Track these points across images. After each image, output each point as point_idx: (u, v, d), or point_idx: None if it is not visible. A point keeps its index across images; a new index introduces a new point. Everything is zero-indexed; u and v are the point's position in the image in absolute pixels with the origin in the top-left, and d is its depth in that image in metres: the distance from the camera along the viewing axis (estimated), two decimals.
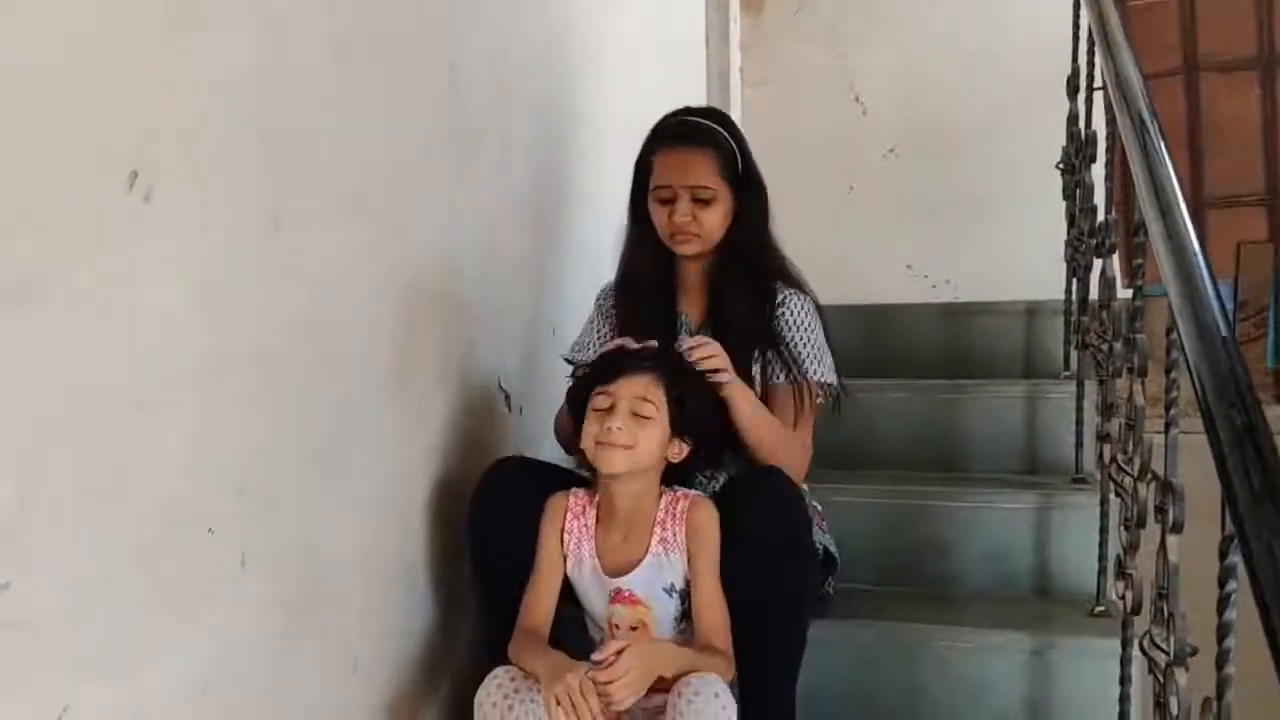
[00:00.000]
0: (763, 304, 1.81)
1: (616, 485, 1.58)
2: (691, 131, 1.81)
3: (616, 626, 1.59)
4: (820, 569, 1.80)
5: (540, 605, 1.60)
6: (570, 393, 1.66)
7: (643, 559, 1.57)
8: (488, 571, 1.72)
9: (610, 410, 1.54)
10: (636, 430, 1.54)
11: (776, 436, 1.73)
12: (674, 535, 1.57)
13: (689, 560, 1.56)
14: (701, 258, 1.84)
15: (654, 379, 1.56)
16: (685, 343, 1.67)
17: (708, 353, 1.64)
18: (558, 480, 1.70)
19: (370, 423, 1.60)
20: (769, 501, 1.58)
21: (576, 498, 1.64)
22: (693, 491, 1.61)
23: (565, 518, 1.62)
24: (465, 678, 1.88)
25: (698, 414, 1.60)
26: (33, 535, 1.01)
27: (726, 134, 1.82)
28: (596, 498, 1.63)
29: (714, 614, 1.54)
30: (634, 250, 1.90)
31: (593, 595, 1.62)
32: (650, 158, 1.82)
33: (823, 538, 1.80)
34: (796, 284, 1.86)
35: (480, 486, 1.71)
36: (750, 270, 1.82)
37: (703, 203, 1.76)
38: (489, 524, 1.69)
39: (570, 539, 1.62)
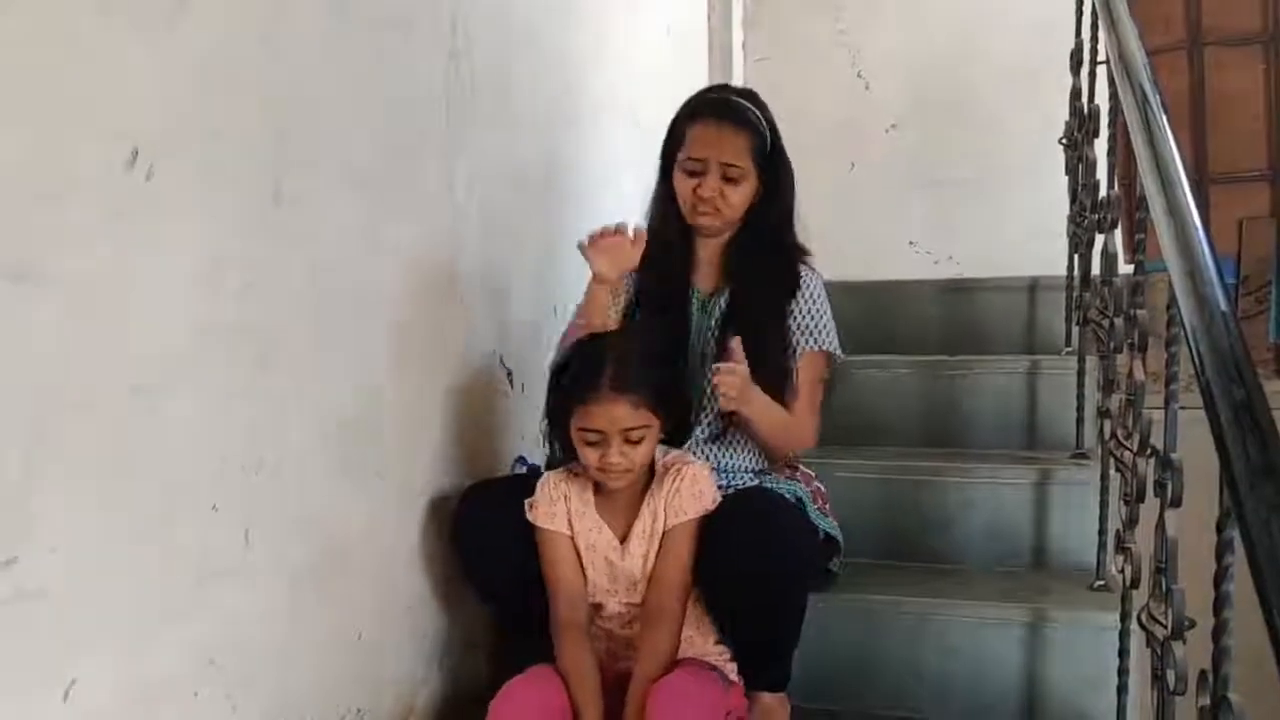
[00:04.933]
0: (781, 285, 1.85)
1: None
2: (733, 110, 1.83)
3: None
4: (822, 550, 1.82)
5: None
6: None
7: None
8: (483, 585, 1.78)
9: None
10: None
11: (781, 430, 1.79)
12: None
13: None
14: (717, 234, 1.87)
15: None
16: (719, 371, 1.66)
17: (730, 385, 1.65)
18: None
19: (372, 398, 1.61)
20: (767, 545, 1.57)
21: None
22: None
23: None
24: (467, 652, 1.90)
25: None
26: (37, 511, 1.02)
27: (762, 120, 1.84)
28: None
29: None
30: (660, 209, 1.90)
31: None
32: (685, 128, 1.84)
33: (823, 522, 1.82)
34: (806, 263, 1.90)
35: (460, 509, 1.74)
36: (773, 252, 1.86)
37: (731, 181, 1.79)
38: (475, 545, 1.72)
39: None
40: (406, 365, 1.71)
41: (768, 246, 1.86)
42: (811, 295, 1.86)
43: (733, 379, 1.65)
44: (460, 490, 1.78)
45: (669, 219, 1.88)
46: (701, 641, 1.64)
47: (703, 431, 1.80)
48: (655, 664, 1.54)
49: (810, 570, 1.72)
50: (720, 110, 1.83)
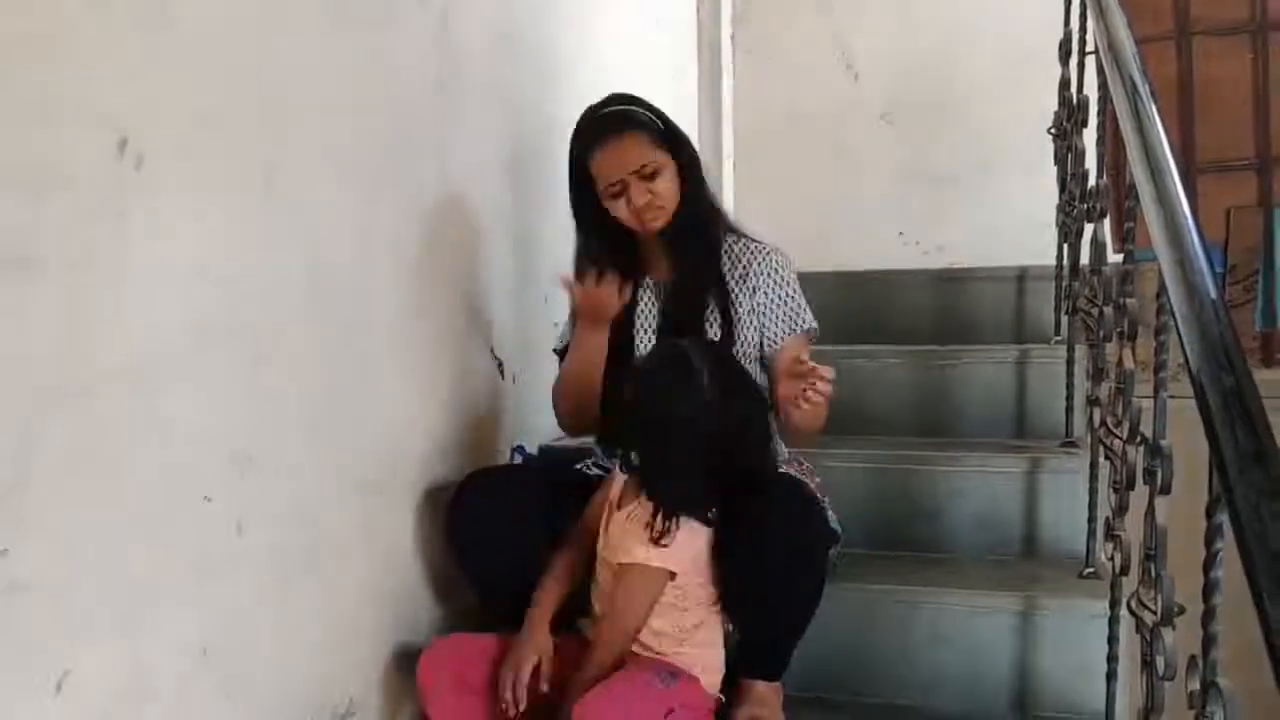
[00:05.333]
0: (718, 264, 1.84)
1: None
2: (617, 119, 1.80)
3: None
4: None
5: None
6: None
7: None
8: (478, 574, 1.76)
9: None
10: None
11: (815, 420, 1.71)
12: None
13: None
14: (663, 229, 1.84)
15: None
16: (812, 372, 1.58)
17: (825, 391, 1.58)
18: (534, 486, 1.72)
19: (364, 390, 1.60)
20: (792, 537, 1.56)
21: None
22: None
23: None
24: None
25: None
26: (31, 502, 1.01)
27: (641, 109, 1.81)
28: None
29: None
30: (592, 248, 1.85)
31: None
32: (587, 164, 1.80)
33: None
34: (757, 239, 1.88)
35: (457, 497, 1.73)
36: (705, 228, 1.84)
37: (651, 178, 1.76)
38: (472, 534, 1.72)
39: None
40: (398, 357, 1.70)
41: (701, 223, 1.84)
42: (785, 278, 1.83)
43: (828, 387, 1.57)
44: (454, 480, 1.78)
45: (605, 247, 1.83)
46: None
47: None
48: (592, 671, 1.53)
49: (823, 563, 1.71)
50: (607, 125, 1.79)
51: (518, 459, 2.00)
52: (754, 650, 1.65)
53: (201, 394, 1.25)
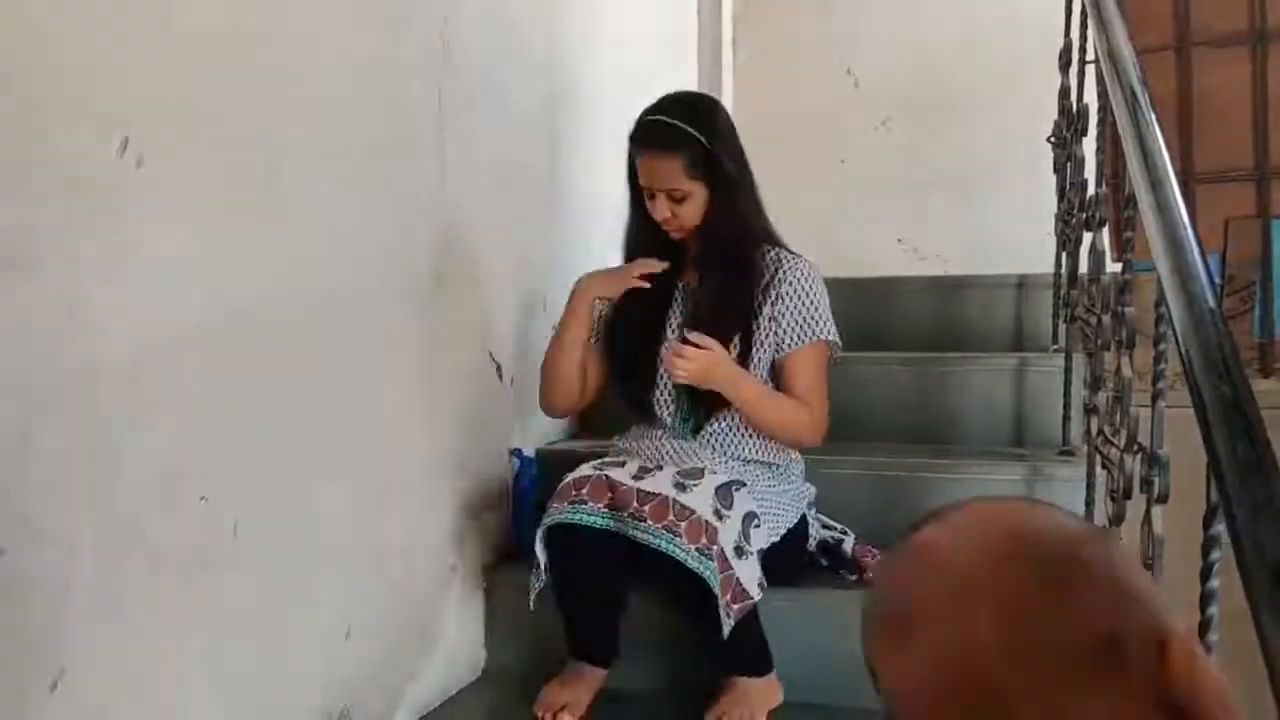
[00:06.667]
0: (746, 278, 1.86)
1: None
2: (658, 135, 1.82)
3: None
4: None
5: None
6: None
7: None
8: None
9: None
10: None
11: (779, 415, 1.82)
12: None
13: None
14: (693, 234, 1.89)
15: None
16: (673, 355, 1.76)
17: (683, 364, 1.74)
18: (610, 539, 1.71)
19: (362, 391, 1.60)
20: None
21: None
22: None
23: None
24: (456, 648, 1.90)
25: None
26: (27, 501, 1.01)
27: (694, 129, 1.81)
28: None
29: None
30: (635, 232, 1.95)
31: None
32: (632, 156, 1.87)
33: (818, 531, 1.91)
34: (793, 251, 1.91)
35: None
36: (731, 248, 1.86)
37: (678, 201, 1.82)
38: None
39: None
40: (396, 358, 1.70)
41: (728, 245, 1.86)
42: (803, 287, 1.86)
43: (681, 359, 1.73)
44: (450, 483, 1.78)
45: (644, 230, 1.91)
46: None
47: (676, 428, 1.88)
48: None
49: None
50: (648, 139, 1.84)
51: (515, 464, 2.00)
52: (716, 649, 1.67)
53: (199, 394, 1.25)
